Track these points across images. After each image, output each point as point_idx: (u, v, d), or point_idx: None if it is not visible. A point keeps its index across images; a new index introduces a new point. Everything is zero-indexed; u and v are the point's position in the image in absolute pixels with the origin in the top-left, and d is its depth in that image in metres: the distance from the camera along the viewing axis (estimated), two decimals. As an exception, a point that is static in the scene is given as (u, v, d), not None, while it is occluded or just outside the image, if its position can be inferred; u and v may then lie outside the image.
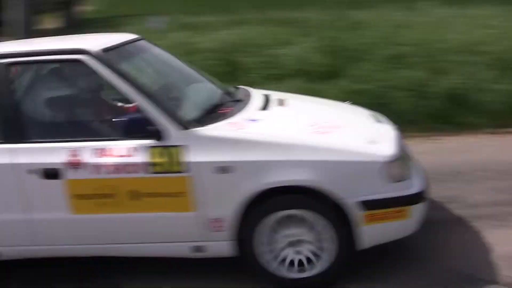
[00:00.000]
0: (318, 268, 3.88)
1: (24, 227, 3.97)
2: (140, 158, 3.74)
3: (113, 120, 4.04)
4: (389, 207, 3.76)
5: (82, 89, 4.41)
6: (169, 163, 3.75)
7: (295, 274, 3.93)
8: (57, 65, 4.29)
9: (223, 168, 3.70)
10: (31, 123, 4.01)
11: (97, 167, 3.76)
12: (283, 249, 3.90)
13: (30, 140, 3.89)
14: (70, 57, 3.96)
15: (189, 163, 3.70)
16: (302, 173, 3.70)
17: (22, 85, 4.13)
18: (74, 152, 3.82)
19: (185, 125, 3.76)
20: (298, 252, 3.91)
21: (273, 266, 3.90)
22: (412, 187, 3.86)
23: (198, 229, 3.87)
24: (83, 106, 4.42)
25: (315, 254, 3.88)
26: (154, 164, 3.74)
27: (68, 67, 4.29)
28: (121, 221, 3.88)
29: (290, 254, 3.91)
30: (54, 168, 3.80)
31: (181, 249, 3.99)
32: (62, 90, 4.39)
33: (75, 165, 3.82)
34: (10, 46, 4.66)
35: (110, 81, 3.88)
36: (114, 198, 3.82)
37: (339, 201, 3.70)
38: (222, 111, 4.13)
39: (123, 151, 3.77)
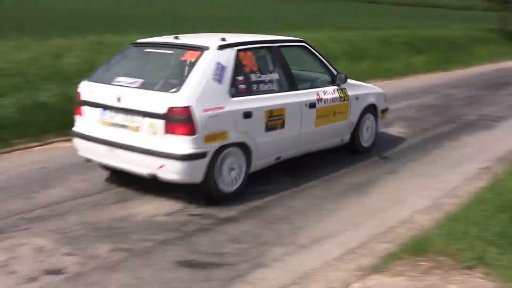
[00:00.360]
0: None
1: (296, 137, 7.57)
2: (337, 94, 8.19)
3: (325, 78, 8.37)
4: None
5: (307, 62, 8.52)
6: (344, 96, 8.31)
7: None
8: (296, 48, 8.39)
9: (357, 97, 8.62)
10: (298, 81, 7.75)
11: (325, 100, 7.94)
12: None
13: (300, 89, 7.67)
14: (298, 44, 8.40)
15: (349, 95, 8.38)
16: (372, 99, 9.12)
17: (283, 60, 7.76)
18: (318, 93, 7.87)
19: (345, 80, 8.32)
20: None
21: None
22: None
23: (347, 129, 8.56)
24: (316, 71, 8.51)
25: None
26: (340, 97, 8.20)
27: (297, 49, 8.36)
28: (328, 128, 8.09)
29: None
30: (313, 102, 7.72)
31: (337, 141, 8.51)
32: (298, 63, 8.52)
33: (319, 100, 7.85)
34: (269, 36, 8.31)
35: (320, 59, 8.39)
36: (329, 116, 8.01)
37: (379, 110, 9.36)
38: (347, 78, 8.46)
39: (331, 91, 8.13)
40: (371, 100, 9.02)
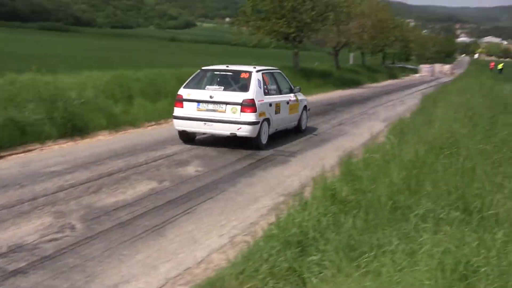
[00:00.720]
0: None
1: (283, 118, 14.87)
2: (294, 98, 15.62)
3: (290, 88, 15.76)
4: None
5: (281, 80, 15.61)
6: (297, 100, 15.83)
7: None
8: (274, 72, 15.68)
9: (301, 100, 16.46)
10: (284, 90, 15.23)
11: (291, 101, 15.32)
12: None
13: (283, 94, 15.03)
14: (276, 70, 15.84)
15: (298, 99, 15.88)
16: (305, 102, 17.59)
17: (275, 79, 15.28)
18: (289, 97, 15.31)
19: (299, 91, 16.09)
20: None
21: None
22: None
23: (297, 117, 16.42)
24: (287, 85, 16.00)
25: None
26: (295, 100, 15.63)
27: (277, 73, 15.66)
28: (292, 116, 15.73)
29: None
30: (288, 101, 15.09)
31: (293, 124, 16.55)
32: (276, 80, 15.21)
33: (290, 100, 15.27)
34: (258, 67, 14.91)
35: (286, 79, 16.28)
36: (292, 109, 15.80)
37: (307, 109, 17.82)
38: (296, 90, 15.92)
39: (293, 96, 15.51)
40: (305, 103, 16.96)
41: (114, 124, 15.57)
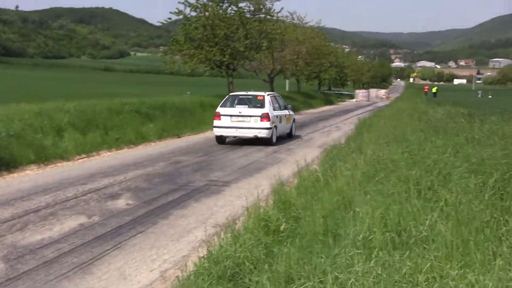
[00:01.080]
0: None
1: (283, 126, 23.61)
2: (288, 113, 24.37)
3: (285, 106, 24.32)
4: None
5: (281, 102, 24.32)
6: (290, 114, 24.63)
7: None
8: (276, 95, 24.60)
9: (292, 115, 25.20)
10: (281, 107, 23.48)
11: (287, 115, 24.11)
12: None
13: (282, 110, 23.58)
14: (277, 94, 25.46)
15: (291, 114, 24.55)
16: (294, 116, 27.03)
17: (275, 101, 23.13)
18: (286, 112, 24.07)
19: (292, 109, 25.15)
20: None
21: None
22: None
23: (289, 126, 24.97)
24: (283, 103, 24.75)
25: None
26: (289, 114, 24.37)
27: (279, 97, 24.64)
28: (287, 125, 24.32)
29: None
30: (286, 115, 23.86)
31: (287, 131, 24.99)
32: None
33: (287, 115, 24.12)
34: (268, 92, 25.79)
35: (282, 99, 25.14)
36: (287, 121, 24.09)
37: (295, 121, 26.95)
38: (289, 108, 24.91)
39: (287, 112, 23.99)
40: (294, 117, 24.91)
41: (43, 157, 15.29)
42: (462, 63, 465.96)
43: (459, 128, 14.88)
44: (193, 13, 35.77)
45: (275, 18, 39.19)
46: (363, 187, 8.76)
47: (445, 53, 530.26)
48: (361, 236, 6.31)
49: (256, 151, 18.91)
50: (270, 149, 19.49)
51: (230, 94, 23.47)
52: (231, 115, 21.27)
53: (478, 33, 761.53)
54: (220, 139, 21.63)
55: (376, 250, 5.90)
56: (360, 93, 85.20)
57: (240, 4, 36.84)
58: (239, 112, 21.24)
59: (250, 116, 21.15)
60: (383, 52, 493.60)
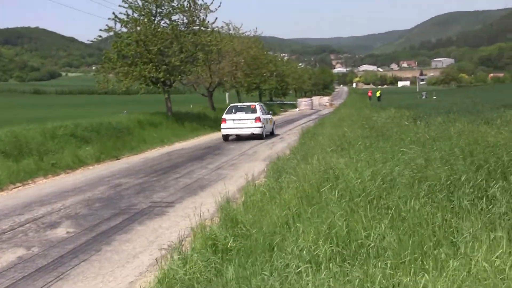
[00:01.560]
0: None
1: (269, 126, 34.40)
2: (271, 117, 35.47)
3: (268, 112, 35.58)
4: None
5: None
6: (272, 117, 36.30)
7: None
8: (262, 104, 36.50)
9: (272, 118, 36.41)
10: (267, 111, 35.91)
11: (271, 118, 35.73)
12: None
13: (269, 114, 35.41)
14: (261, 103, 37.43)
15: (272, 118, 36.00)
16: (273, 119, 37.10)
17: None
18: (271, 116, 36.09)
19: (271, 114, 35.94)
20: None
21: None
22: None
23: (271, 127, 35.47)
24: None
25: None
26: (271, 118, 35.55)
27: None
28: (270, 126, 35.09)
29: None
30: (270, 118, 35.41)
31: (270, 130, 35.05)
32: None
33: (271, 118, 35.75)
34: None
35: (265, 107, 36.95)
36: (270, 123, 35.01)
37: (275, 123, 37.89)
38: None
39: (270, 115, 35.50)
40: (273, 120, 35.57)
41: (-26, 189, 14.87)
42: (404, 64, 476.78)
43: (403, 132, 15.19)
44: (124, 29, 35.43)
45: (210, 29, 39.08)
46: (310, 199, 8.89)
47: (386, 56, 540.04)
48: (307, 250, 6.49)
49: (200, 168, 18.88)
50: (213, 165, 19.46)
51: (231, 105, 34.09)
52: (233, 119, 31.33)
53: (418, 33, 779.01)
54: (226, 137, 31.39)
55: (324, 263, 6.08)
56: (303, 102, 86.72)
57: (173, 17, 36.81)
58: (239, 117, 31.34)
59: (247, 119, 31.33)
60: (324, 58, 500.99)
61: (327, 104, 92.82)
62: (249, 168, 17.60)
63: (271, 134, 34.37)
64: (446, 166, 9.17)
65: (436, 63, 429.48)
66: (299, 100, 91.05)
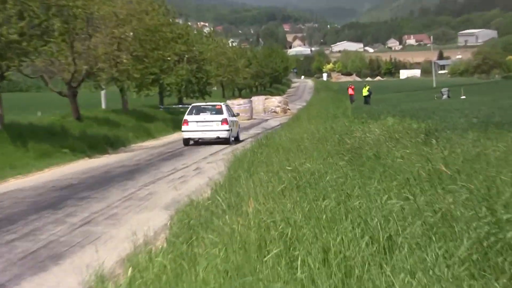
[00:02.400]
0: None
1: (235, 130, 39.45)
2: (236, 119, 43.01)
3: (233, 115, 45.97)
4: None
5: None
6: (237, 121, 43.79)
7: None
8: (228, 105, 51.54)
9: (237, 121, 45.40)
10: (232, 115, 42.27)
11: (237, 121, 42.06)
12: None
13: (234, 116, 41.00)
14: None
15: (237, 121, 45.79)
16: (239, 122, 46.17)
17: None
18: (235, 119, 39.83)
19: (236, 116, 47.55)
20: None
21: None
22: None
23: (237, 130, 41.02)
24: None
25: None
26: (237, 120, 41.38)
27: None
28: (237, 129, 39.51)
29: None
30: (236, 121, 40.77)
31: (235, 134, 40.54)
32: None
33: (236, 120, 40.37)
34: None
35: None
36: (236, 126, 41.90)
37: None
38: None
39: (236, 118, 41.20)
40: (239, 123, 44.64)
41: None
42: (411, 41, 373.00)
43: (405, 162, 11.56)
44: None
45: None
46: (241, 274, 6.61)
47: (380, 26, 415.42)
48: None
49: (53, 223, 14.19)
50: (77, 218, 14.16)
51: (193, 105, 39.46)
52: (197, 121, 35.19)
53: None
54: (187, 142, 35.77)
55: None
56: (236, 106, 60.90)
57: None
58: (204, 119, 35.97)
59: (213, 121, 35.29)
60: (273, 31, 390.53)
61: (278, 109, 67.72)
62: (140, 222, 14.57)
63: (236, 140, 38.94)
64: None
65: (465, 37, 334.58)
66: (230, 102, 62.79)
